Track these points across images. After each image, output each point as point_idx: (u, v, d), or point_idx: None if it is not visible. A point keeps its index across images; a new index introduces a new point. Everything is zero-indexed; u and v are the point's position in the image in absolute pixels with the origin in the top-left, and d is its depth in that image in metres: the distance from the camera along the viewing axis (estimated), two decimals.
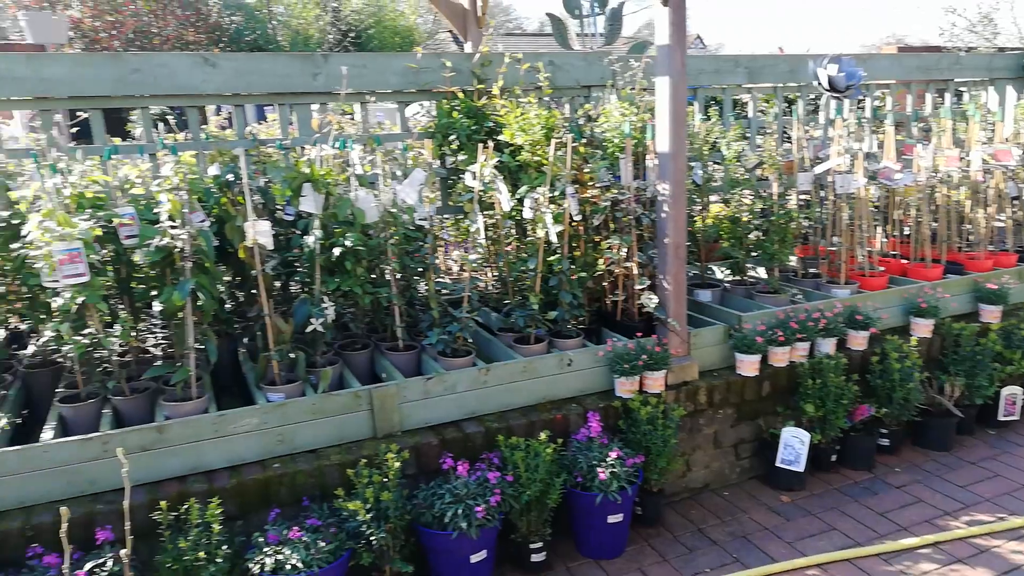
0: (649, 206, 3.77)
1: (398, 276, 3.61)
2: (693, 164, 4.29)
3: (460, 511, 2.93)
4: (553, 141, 3.63)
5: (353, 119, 4.68)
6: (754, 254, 4.54)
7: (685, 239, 3.69)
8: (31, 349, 3.62)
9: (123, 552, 1.83)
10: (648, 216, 3.73)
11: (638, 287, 3.77)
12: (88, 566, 2.57)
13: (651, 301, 3.68)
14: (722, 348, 3.93)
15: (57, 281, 2.80)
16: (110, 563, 2.59)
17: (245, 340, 3.70)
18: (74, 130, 3.49)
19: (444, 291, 4.18)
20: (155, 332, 3.90)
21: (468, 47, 5.64)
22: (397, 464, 2.96)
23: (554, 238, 3.56)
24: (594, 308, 4.03)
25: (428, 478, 3.19)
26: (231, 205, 3.39)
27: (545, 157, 3.70)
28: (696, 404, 3.78)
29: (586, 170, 3.85)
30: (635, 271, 3.79)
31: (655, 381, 3.58)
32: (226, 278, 3.61)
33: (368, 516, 2.83)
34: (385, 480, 2.95)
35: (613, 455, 3.24)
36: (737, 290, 4.51)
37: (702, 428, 3.85)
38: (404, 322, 3.69)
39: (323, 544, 2.75)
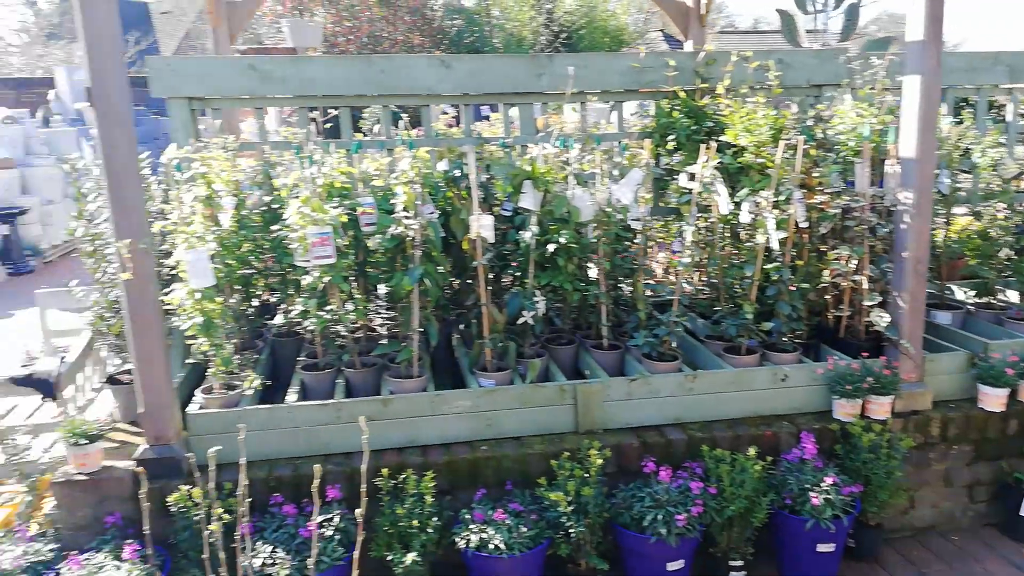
0: (886, 216, 3.47)
1: (606, 275, 3.63)
2: (939, 172, 3.88)
3: (660, 517, 2.89)
4: (781, 143, 3.46)
5: (563, 117, 4.76)
6: (1006, 275, 4.03)
7: (927, 254, 3.36)
8: (278, 320, 4.07)
9: (358, 512, 2.00)
10: (884, 226, 3.44)
11: (867, 303, 3.48)
12: (319, 519, 2.85)
13: (882, 319, 3.39)
14: (962, 377, 3.53)
15: (308, 261, 3.12)
16: (337, 519, 2.87)
17: (461, 327, 3.89)
18: (327, 126, 3.88)
19: (648, 292, 4.13)
20: (379, 313, 4.23)
21: (688, 46, 5.52)
22: (599, 461, 2.97)
23: (775, 245, 3.39)
24: (813, 322, 3.79)
25: (627, 479, 3.17)
26: (457, 199, 3.59)
27: (770, 159, 3.53)
28: (926, 436, 3.43)
29: (815, 174, 3.62)
30: (865, 285, 3.51)
31: (881, 407, 3.30)
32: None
33: (569, 508, 2.87)
34: (586, 476, 2.97)
35: (828, 481, 3.03)
36: (983, 314, 4.03)
37: (931, 463, 3.49)
38: (610, 321, 3.70)
39: (525, 529, 2.84)
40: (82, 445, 2.91)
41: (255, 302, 3.99)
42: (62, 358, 3.40)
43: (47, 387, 3.23)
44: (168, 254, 3.29)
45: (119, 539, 2.83)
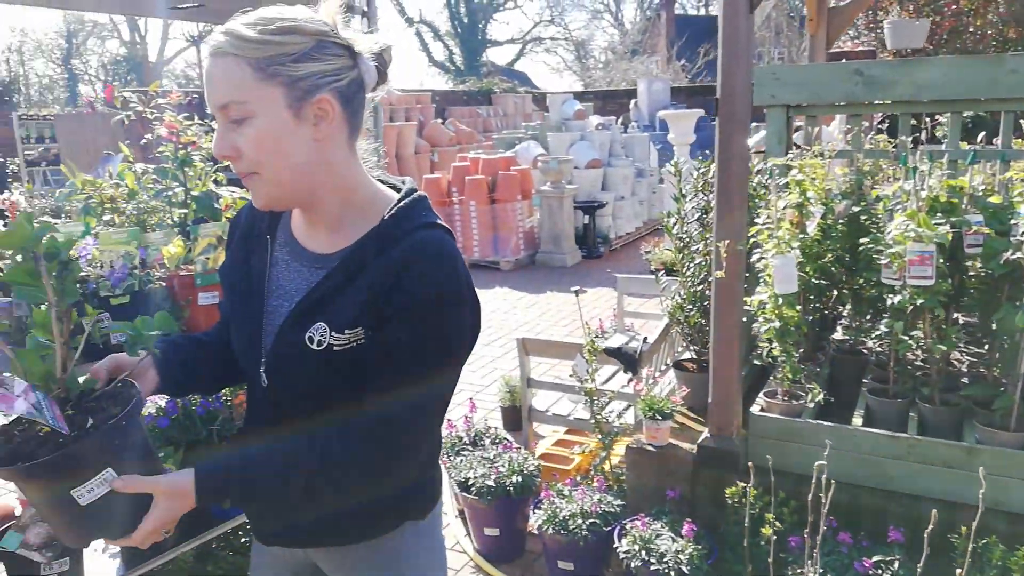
0: None
1: None
2: None
3: None
4: None
5: None
6: None
7: None
8: (838, 335, 3.90)
9: (959, 572, 1.76)
10: None
11: None
12: (875, 558, 2.64)
13: None
14: None
15: (899, 280, 2.88)
16: (896, 564, 2.61)
17: None
18: (936, 133, 3.53)
19: None
20: (958, 347, 3.71)
21: None
22: None
23: None
24: None
25: None
26: None
27: None
28: None
29: None
30: None
31: None
32: None
33: None
34: None
35: None
36: None
37: None
38: None
39: None
40: (656, 420, 3.23)
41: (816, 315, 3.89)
42: (644, 338, 3.83)
43: (631, 361, 3.68)
44: (748, 255, 3.41)
45: (676, 515, 3.07)
